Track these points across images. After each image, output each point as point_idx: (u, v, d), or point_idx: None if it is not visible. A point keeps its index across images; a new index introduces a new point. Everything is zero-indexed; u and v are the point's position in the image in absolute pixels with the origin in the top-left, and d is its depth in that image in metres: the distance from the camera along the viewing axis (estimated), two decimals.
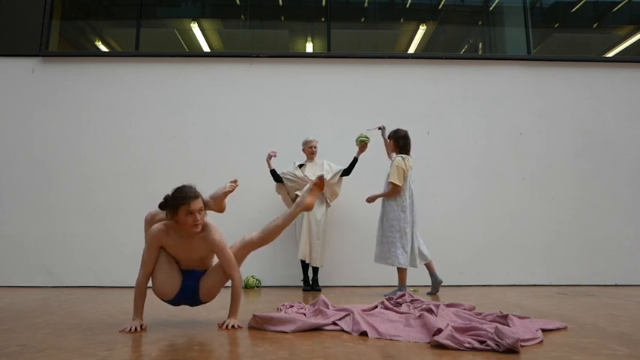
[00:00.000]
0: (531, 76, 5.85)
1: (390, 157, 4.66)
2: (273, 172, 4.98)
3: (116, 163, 5.43)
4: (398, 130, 4.52)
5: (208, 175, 5.41)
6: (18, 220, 5.28)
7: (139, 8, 6.00)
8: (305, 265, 4.91)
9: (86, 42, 6.97)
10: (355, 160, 4.96)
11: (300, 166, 5.06)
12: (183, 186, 2.47)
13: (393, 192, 4.31)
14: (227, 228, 5.52)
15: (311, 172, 4.98)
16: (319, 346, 2.06)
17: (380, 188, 4.50)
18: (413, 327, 2.39)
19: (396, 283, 4.34)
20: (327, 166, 5.05)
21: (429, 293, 4.39)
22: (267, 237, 2.72)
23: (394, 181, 4.27)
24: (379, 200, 4.48)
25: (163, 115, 5.57)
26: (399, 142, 4.46)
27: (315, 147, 5.07)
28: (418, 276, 4.68)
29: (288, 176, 4.97)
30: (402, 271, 4.23)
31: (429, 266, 4.42)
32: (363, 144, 4.81)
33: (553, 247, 5.43)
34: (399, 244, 4.22)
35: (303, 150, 5.11)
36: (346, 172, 5.01)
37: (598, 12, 7.19)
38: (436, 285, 4.39)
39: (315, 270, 4.92)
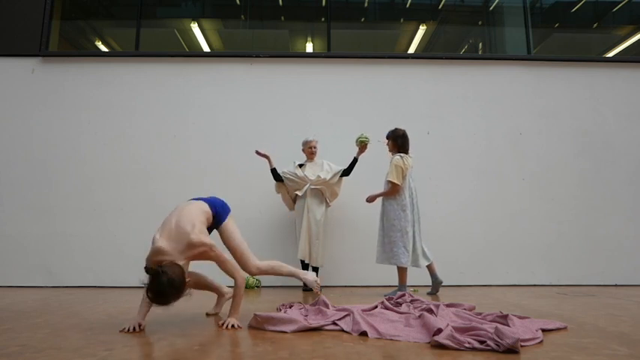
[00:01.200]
0: (531, 76, 5.85)
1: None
2: (273, 171, 4.98)
3: (116, 163, 5.43)
4: (396, 129, 4.53)
5: (208, 175, 5.44)
6: (18, 220, 5.28)
7: (139, 8, 6.00)
8: (305, 265, 4.91)
9: (86, 42, 6.97)
10: (355, 160, 4.96)
11: (300, 165, 5.06)
12: (157, 295, 2.24)
13: (392, 191, 4.31)
14: None
15: (311, 172, 4.98)
16: (319, 346, 2.06)
17: (380, 188, 4.50)
18: (413, 327, 2.39)
19: (396, 283, 4.34)
20: (326, 166, 5.05)
21: (429, 293, 4.39)
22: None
23: (392, 180, 4.28)
24: (379, 200, 4.48)
25: (163, 115, 5.57)
26: (398, 142, 4.47)
27: (314, 147, 5.06)
28: (418, 276, 4.68)
29: (289, 175, 4.97)
30: (402, 271, 4.23)
31: (429, 267, 4.42)
32: (363, 144, 4.81)
33: (553, 247, 5.43)
34: (400, 243, 4.22)
35: (303, 150, 5.11)
36: (346, 172, 5.01)
37: (598, 12, 7.19)
38: (436, 285, 4.39)
39: (315, 270, 4.92)
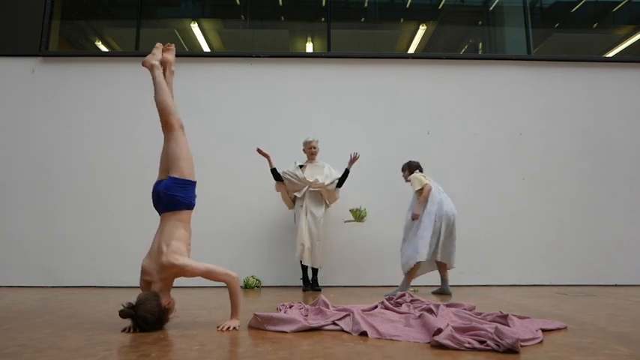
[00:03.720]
0: (531, 76, 5.85)
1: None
2: (273, 171, 4.97)
3: (116, 163, 5.43)
4: (410, 161, 4.69)
5: (208, 175, 5.42)
6: (18, 220, 5.28)
7: (139, 8, 6.00)
8: (304, 265, 4.91)
9: (86, 42, 6.97)
10: (347, 171, 4.92)
11: (301, 166, 5.06)
12: (141, 330, 2.35)
13: (424, 196, 4.37)
14: (229, 229, 5.51)
15: (310, 174, 4.95)
16: (319, 346, 2.06)
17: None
18: (413, 327, 2.39)
19: (396, 283, 4.35)
20: (327, 169, 5.01)
21: (433, 292, 4.44)
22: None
23: (420, 186, 4.38)
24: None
25: None
26: (415, 168, 4.64)
27: (315, 147, 5.05)
28: (419, 276, 4.68)
29: (288, 176, 4.96)
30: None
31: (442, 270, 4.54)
32: (359, 218, 4.84)
33: (553, 247, 5.43)
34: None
35: (304, 150, 5.10)
36: (339, 183, 4.96)
37: (598, 12, 7.19)
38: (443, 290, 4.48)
39: (315, 270, 4.91)
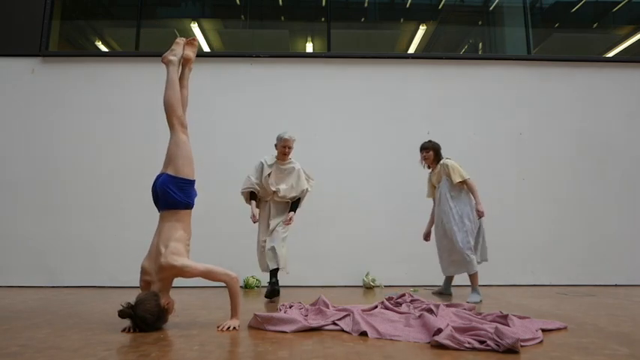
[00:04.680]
0: (531, 76, 5.85)
1: (429, 166, 4.42)
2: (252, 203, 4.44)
3: (116, 163, 5.43)
4: (432, 141, 4.37)
5: (208, 175, 5.42)
6: (18, 220, 5.28)
7: (139, 8, 6.00)
8: (273, 272, 4.17)
9: (86, 42, 6.97)
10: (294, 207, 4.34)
11: (270, 165, 4.37)
12: (140, 330, 2.35)
13: (473, 186, 4.13)
14: (229, 229, 5.52)
15: (275, 180, 4.31)
16: (319, 346, 2.06)
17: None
18: (413, 327, 2.39)
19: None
20: (294, 177, 4.32)
21: (434, 293, 4.45)
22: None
23: (464, 177, 4.13)
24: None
25: (163, 115, 5.54)
26: (440, 153, 4.35)
27: (290, 147, 4.30)
28: (419, 276, 4.68)
29: (253, 187, 4.34)
30: (476, 276, 4.14)
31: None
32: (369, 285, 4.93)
33: (553, 247, 5.43)
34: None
35: (276, 145, 4.36)
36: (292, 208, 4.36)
37: (598, 12, 7.19)
38: (444, 291, 4.42)
39: (274, 272, 4.19)
